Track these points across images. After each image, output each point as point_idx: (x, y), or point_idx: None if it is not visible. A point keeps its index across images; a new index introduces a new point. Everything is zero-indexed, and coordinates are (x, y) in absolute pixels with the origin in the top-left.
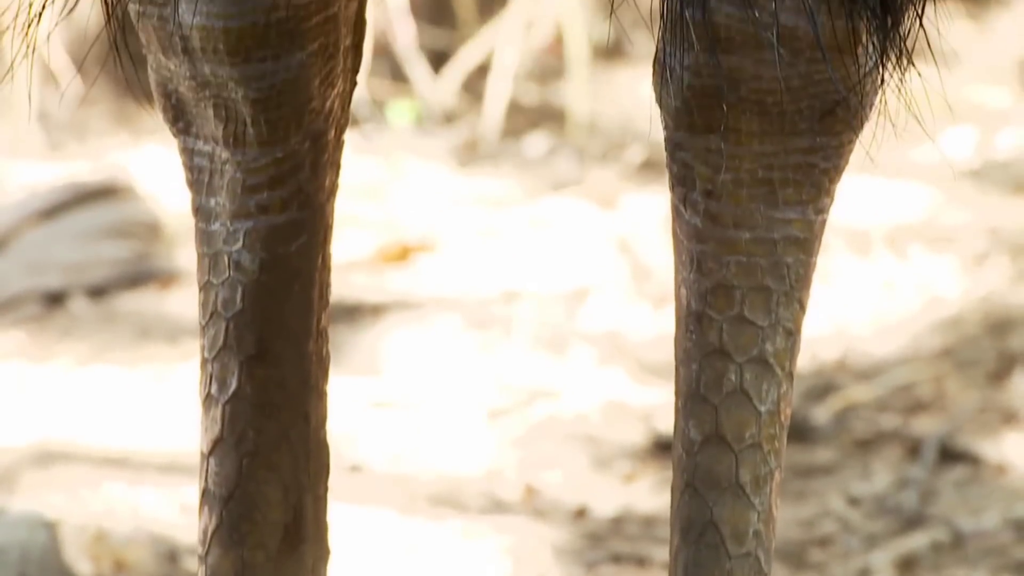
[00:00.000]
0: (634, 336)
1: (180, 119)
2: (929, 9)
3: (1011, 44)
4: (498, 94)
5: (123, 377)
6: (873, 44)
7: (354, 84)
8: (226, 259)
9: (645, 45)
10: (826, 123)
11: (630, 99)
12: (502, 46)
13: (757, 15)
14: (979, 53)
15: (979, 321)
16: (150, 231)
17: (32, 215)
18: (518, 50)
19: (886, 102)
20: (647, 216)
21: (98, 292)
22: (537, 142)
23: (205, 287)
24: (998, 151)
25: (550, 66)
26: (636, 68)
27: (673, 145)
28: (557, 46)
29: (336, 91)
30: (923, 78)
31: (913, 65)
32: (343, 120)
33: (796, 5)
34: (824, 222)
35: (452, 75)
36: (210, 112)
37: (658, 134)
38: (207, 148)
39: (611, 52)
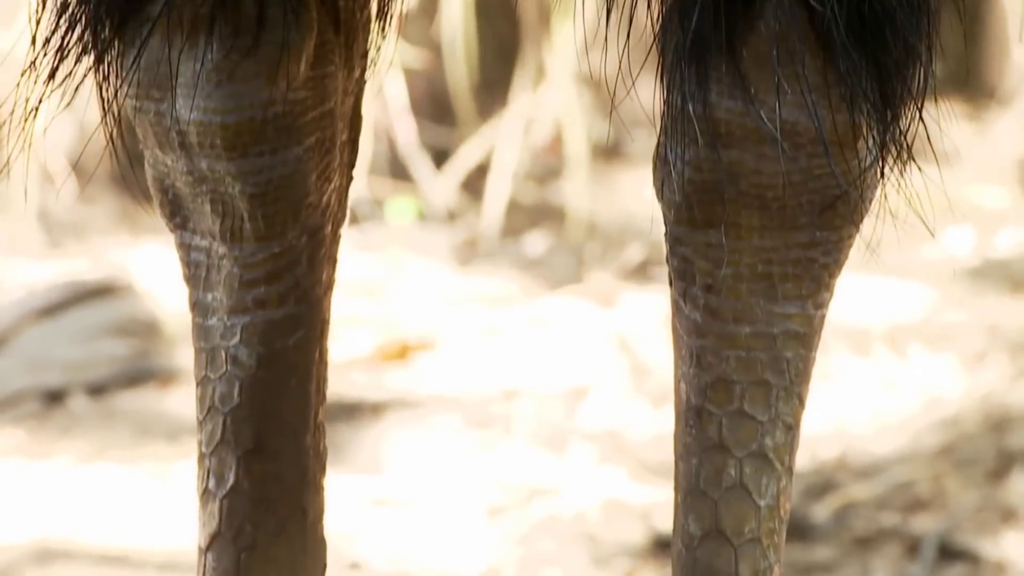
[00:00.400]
0: (633, 435)
1: (177, 214)
2: (930, 107)
3: (1011, 144)
4: (498, 193)
5: (123, 475)
6: (873, 138)
7: (350, 179)
8: (223, 354)
9: (644, 144)
10: (826, 217)
11: (629, 198)
12: (502, 145)
13: (759, 110)
14: (979, 152)
15: (978, 420)
16: (149, 329)
17: (31, 313)
18: (518, 149)
19: (887, 198)
20: (646, 315)
21: (98, 390)
22: (536, 241)
23: (202, 382)
24: (997, 250)
25: (550, 165)
26: (635, 167)
27: (673, 239)
28: (557, 145)
29: (333, 186)
30: (924, 176)
31: (913, 160)
32: (340, 214)
33: (797, 100)
34: (823, 317)
35: (452, 173)
36: (207, 207)
37: (657, 234)
38: (204, 243)
39: (610, 151)
